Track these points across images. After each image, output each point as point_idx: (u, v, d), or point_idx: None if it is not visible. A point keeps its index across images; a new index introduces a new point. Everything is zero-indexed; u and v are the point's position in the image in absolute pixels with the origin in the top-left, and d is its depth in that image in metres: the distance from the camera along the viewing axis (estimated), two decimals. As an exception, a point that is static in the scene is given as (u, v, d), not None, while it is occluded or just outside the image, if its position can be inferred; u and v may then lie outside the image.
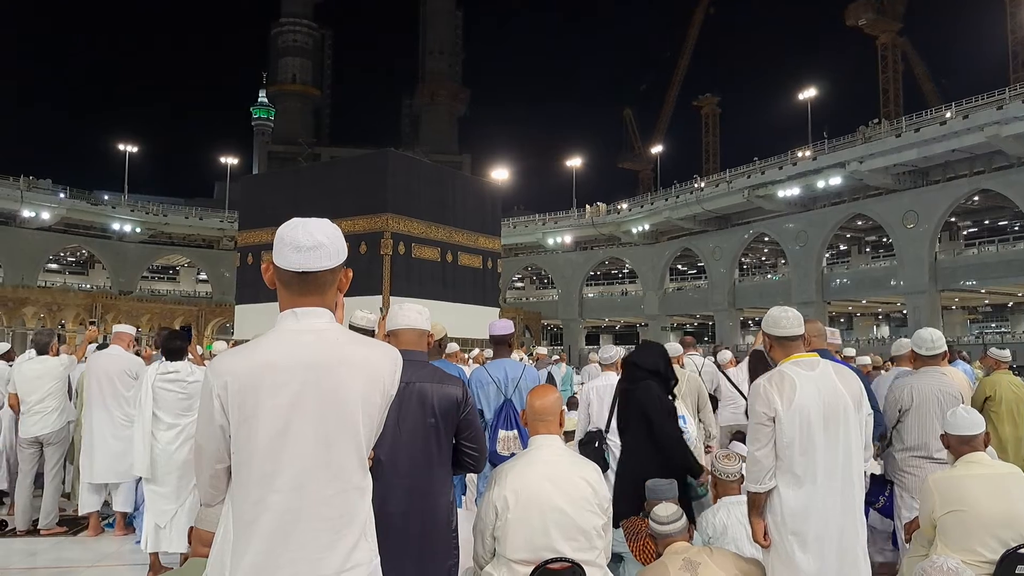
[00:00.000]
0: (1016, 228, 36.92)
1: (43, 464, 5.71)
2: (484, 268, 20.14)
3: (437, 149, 71.66)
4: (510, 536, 2.44)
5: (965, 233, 39.69)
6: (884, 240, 38.39)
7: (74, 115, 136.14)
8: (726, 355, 7.84)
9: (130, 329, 5.86)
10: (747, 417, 2.84)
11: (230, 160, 51.19)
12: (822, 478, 2.58)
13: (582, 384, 9.30)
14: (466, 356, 10.38)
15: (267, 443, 1.50)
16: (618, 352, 4.91)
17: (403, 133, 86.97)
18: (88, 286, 46.75)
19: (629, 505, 3.33)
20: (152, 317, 35.93)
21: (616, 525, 2.95)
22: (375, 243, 16.85)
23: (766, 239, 41.09)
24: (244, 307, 19.06)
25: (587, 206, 46.93)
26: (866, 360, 8.39)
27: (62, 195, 41.00)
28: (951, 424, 3.04)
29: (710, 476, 3.58)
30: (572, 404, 7.18)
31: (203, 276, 50.31)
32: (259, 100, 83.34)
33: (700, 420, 5.25)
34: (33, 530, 5.50)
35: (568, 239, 46.77)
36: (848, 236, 42.85)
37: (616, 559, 3.35)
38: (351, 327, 3.48)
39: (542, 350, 13.66)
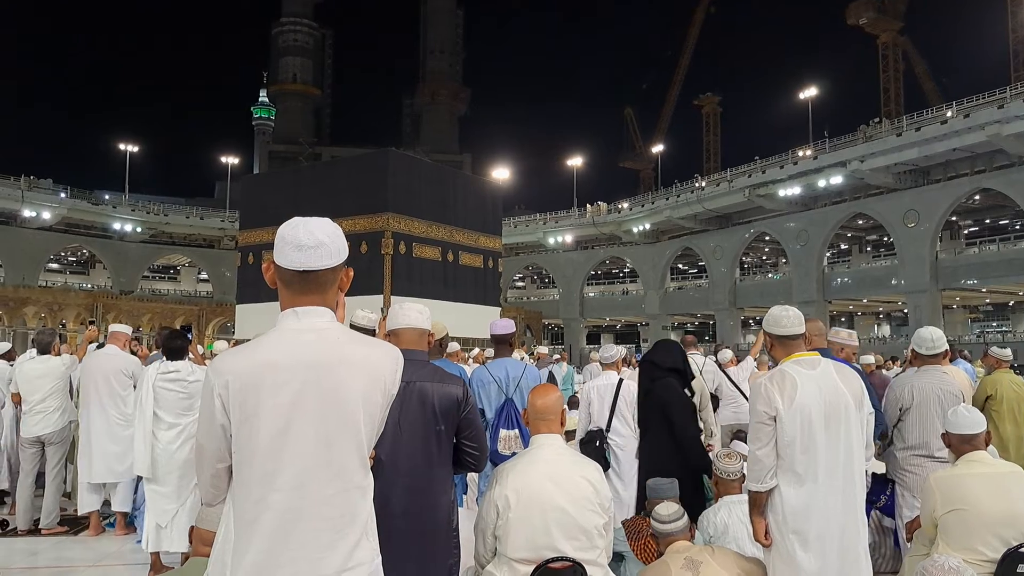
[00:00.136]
0: (1017, 227, 36.89)
1: (44, 464, 5.71)
2: (485, 267, 20.15)
3: (438, 149, 71.66)
4: (511, 535, 2.44)
5: (966, 232, 39.69)
6: (885, 239, 38.37)
7: (74, 115, 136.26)
8: (727, 354, 7.84)
9: (126, 328, 5.85)
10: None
11: (231, 160, 51.31)
12: (823, 477, 2.58)
13: (583, 383, 9.29)
14: (467, 355, 10.37)
15: (268, 442, 1.50)
16: (619, 351, 4.91)
17: (404, 133, 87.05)
18: (89, 286, 46.86)
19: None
20: (153, 317, 36.00)
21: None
22: (376, 242, 16.87)
23: (767, 238, 41.09)
24: (245, 307, 19.10)
25: (588, 205, 46.93)
26: (869, 359, 8.40)
27: (63, 195, 41.04)
28: (952, 423, 3.04)
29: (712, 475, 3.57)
30: (573, 403, 7.18)
31: (204, 276, 50.35)
32: (260, 100, 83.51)
33: (701, 419, 5.25)
34: (34, 530, 5.50)
35: (569, 238, 46.78)
36: (849, 235, 42.84)
37: (617, 558, 3.35)
38: (352, 326, 3.48)
39: (543, 349, 13.65)
